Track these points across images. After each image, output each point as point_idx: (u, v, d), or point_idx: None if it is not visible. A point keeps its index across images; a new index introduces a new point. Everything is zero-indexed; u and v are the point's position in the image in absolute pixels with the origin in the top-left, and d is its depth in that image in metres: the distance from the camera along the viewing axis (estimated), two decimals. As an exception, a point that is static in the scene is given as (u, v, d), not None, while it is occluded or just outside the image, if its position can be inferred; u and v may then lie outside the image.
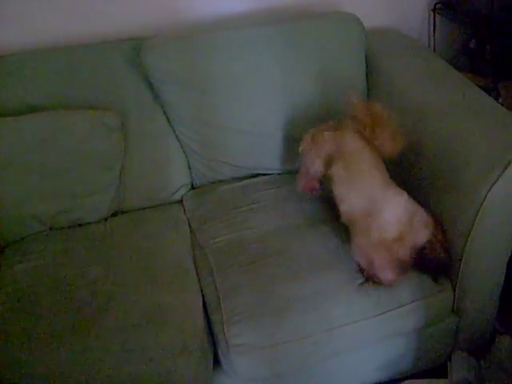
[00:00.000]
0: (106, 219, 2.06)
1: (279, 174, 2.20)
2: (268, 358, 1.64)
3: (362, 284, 1.69)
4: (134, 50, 2.04)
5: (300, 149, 1.85)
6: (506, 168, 1.53)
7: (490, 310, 1.85)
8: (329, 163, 1.75)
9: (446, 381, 1.80)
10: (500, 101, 2.17)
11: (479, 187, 1.57)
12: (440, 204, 1.73)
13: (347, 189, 1.71)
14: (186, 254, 1.89)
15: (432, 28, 2.55)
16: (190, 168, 2.19)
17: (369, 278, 1.69)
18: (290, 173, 2.18)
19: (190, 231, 2.01)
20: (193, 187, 2.24)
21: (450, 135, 1.74)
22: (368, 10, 2.24)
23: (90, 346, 1.55)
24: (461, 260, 1.67)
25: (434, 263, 1.68)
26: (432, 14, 2.52)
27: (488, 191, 1.55)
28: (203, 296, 1.74)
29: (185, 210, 2.12)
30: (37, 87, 2.02)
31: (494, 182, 1.53)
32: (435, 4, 2.49)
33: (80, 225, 2.03)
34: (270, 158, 2.18)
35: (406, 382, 1.85)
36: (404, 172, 1.87)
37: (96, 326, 1.60)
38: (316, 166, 1.79)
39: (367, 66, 2.20)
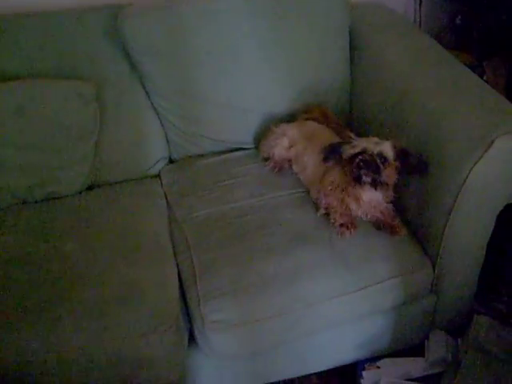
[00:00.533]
0: (80, 193, 2.01)
1: (259, 148, 2.17)
2: (245, 335, 1.62)
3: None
4: (112, 18, 1.97)
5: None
6: (488, 147, 1.50)
7: (468, 289, 1.84)
8: (289, 147, 2.00)
9: (424, 360, 1.81)
10: (485, 78, 2.15)
11: (462, 166, 1.55)
12: (424, 181, 1.71)
13: (305, 160, 1.94)
14: (162, 229, 1.86)
15: (418, 3, 2.51)
16: (168, 141, 2.16)
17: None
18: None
19: (168, 206, 1.98)
20: (171, 161, 2.20)
21: (433, 112, 1.71)
22: (353, -17, 2.18)
23: (63, 321, 1.52)
24: (442, 238, 1.66)
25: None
26: (418, -12, 2.49)
27: (470, 170, 1.53)
28: (179, 272, 1.72)
29: (162, 184, 2.08)
30: (12, 54, 1.97)
31: (477, 161, 1.51)
32: (422, -21, 2.46)
33: (54, 198, 1.98)
34: (250, 132, 2.14)
35: (384, 360, 1.85)
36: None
37: (69, 301, 1.57)
38: (278, 152, 2.01)
39: (351, 41, 2.16)
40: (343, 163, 1.73)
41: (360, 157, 1.65)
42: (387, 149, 1.66)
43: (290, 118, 2.11)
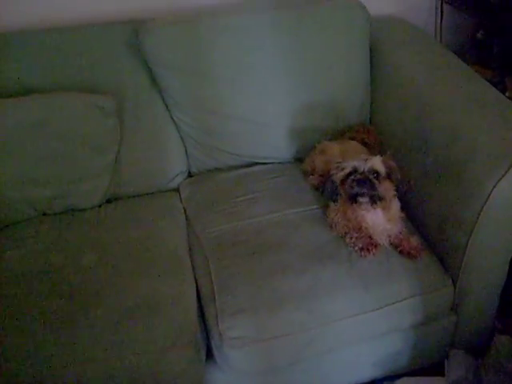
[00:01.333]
0: (100, 206, 2.02)
1: (278, 163, 2.17)
2: (262, 351, 1.61)
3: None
4: (133, 33, 1.99)
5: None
6: (512, 164, 1.49)
7: (489, 308, 1.81)
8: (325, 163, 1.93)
9: (443, 379, 1.78)
10: (507, 94, 2.12)
11: (485, 182, 1.53)
12: (444, 198, 1.69)
13: None
14: (181, 244, 1.86)
15: (439, 17, 2.50)
16: (187, 155, 2.16)
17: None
18: (289, 162, 2.17)
19: (186, 220, 1.98)
20: (190, 175, 2.20)
21: (455, 128, 1.69)
22: (374, -2, 2.18)
23: (80, 335, 1.52)
24: (463, 257, 1.64)
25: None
26: (440, 2, 2.47)
27: (494, 187, 1.50)
28: (197, 287, 1.71)
29: (181, 197, 2.08)
30: (33, 68, 1.99)
31: (500, 178, 1.49)
32: (443, -7, 2.44)
33: (74, 211, 2.00)
34: (269, 146, 2.14)
35: (403, 379, 1.83)
36: (409, 164, 1.83)
37: (87, 314, 1.57)
38: (318, 167, 1.99)
39: (371, 55, 2.16)
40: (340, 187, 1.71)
41: (352, 177, 1.64)
42: (377, 163, 1.65)
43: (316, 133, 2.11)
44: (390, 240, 1.73)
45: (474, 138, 1.63)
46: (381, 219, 1.71)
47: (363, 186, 1.63)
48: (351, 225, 1.73)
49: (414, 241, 1.73)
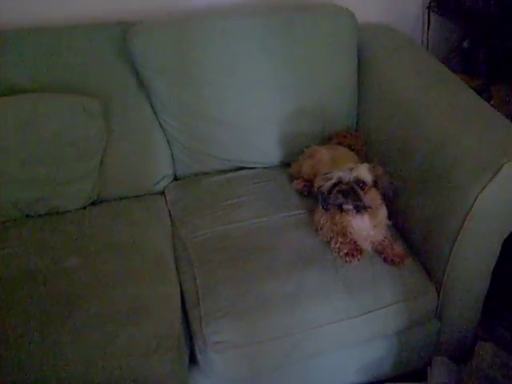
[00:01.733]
0: (85, 208, 2.00)
1: (265, 168, 2.17)
2: (247, 356, 1.61)
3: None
4: (122, 35, 1.98)
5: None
6: (497, 172, 1.49)
7: (473, 316, 1.83)
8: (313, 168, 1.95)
9: (426, 386, 1.79)
10: (492, 103, 2.14)
11: (469, 190, 1.54)
12: (429, 205, 1.70)
13: None
14: (166, 247, 1.85)
15: (426, 26, 2.52)
16: (173, 158, 2.15)
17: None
18: (276, 167, 2.16)
19: (172, 223, 1.97)
20: (176, 178, 2.19)
21: (440, 136, 1.70)
22: (362, 5, 2.19)
23: (63, 338, 1.51)
24: (447, 264, 1.65)
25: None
26: (427, 11, 2.49)
27: (478, 194, 1.51)
28: (182, 291, 1.70)
29: (167, 201, 2.07)
30: (20, 68, 1.97)
31: (485, 186, 1.50)
32: (430, 1, 2.46)
33: (58, 213, 1.98)
34: (256, 151, 2.14)
35: (386, 385, 1.83)
36: (394, 171, 1.84)
37: (70, 318, 1.55)
38: (305, 172, 1.99)
39: (359, 62, 2.17)
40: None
41: (337, 188, 1.65)
42: (364, 172, 1.66)
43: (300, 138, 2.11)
44: (373, 246, 1.74)
45: (459, 146, 1.64)
46: (366, 225, 1.72)
47: (347, 197, 1.64)
48: (336, 228, 1.73)
49: (398, 247, 1.74)
